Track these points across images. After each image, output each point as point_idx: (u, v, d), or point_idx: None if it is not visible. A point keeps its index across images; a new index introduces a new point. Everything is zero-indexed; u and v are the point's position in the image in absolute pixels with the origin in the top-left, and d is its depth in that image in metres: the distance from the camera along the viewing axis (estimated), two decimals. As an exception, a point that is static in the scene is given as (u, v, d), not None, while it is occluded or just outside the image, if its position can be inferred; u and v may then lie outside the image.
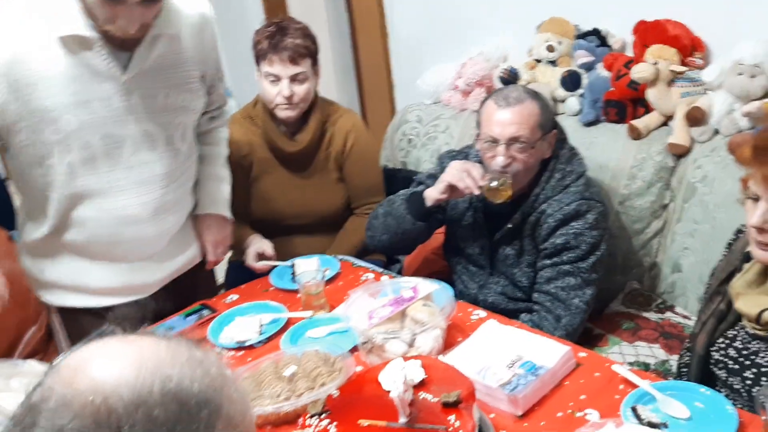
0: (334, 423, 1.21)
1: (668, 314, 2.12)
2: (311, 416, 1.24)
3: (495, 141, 1.88)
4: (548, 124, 1.91)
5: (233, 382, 0.71)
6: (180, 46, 1.63)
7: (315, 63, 2.23)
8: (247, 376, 1.46)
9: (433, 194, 1.95)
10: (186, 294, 1.86)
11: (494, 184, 1.83)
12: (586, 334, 2.03)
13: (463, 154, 2.14)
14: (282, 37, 2.15)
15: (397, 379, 1.24)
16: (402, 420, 1.19)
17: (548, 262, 1.94)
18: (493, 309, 1.96)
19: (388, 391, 1.25)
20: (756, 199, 1.37)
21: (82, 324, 1.75)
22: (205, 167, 1.91)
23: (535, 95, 1.92)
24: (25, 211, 1.74)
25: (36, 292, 1.81)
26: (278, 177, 2.33)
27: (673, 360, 1.89)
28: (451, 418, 1.19)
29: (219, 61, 1.83)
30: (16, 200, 1.85)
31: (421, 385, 1.27)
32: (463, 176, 1.86)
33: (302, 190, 2.34)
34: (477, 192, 1.85)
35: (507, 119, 1.86)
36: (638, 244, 2.26)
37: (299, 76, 2.16)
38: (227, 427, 0.68)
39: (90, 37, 1.48)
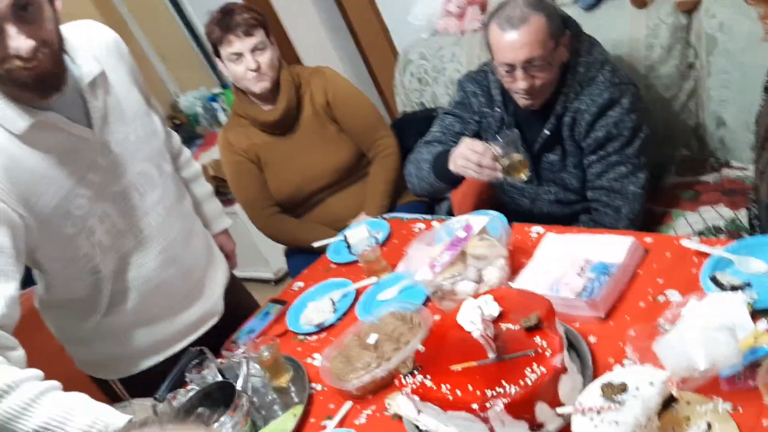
0: (428, 376, 1.24)
1: (725, 171, 2.08)
2: (405, 375, 1.27)
3: (512, 66, 1.83)
4: (559, 30, 1.84)
5: None
6: (111, 79, 1.56)
7: (268, 33, 2.29)
8: (335, 355, 1.50)
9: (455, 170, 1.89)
10: (233, 305, 1.89)
11: (507, 163, 1.74)
12: (649, 215, 2.01)
13: (482, 73, 2.09)
14: (230, 17, 2.24)
15: (475, 319, 1.26)
16: (492, 355, 1.21)
17: (594, 157, 1.90)
18: (550, 219, 1.96)
19: (470, 332, 1.27)
20: None
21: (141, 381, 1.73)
22: (195, 189, 1.97)
23: (538, 5, 1.81)
24: (71, 310, 1.68)
25: (92, 374, 1.82)
26: (283, 150, 2.39)
27: (742, 215, 1.86)
28: (537, 339, 1.20)
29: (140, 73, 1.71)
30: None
31: (500, 318, 1.29)
32: (480, 170, 1.76)
33: (310, 153, 2.40)
34: (500, 177, 1.77)
35: (516, 42, 1.78)
36: (675, 110, 2.20)
37: (258, 45, 2.25)
38: None
39: (45, 118, 1.40)
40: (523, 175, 1.74)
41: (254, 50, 2.24)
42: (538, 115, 1.94)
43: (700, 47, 2.11)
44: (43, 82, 1.36)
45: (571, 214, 1.98)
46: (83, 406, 1.30)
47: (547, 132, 1.93)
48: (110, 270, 1.61)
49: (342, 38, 3.63)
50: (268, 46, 2.27)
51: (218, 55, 2.30)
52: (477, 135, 2.05)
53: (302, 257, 2.44)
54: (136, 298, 1.67)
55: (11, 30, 1.27)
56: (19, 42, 1.28)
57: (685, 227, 1.92)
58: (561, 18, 1.89)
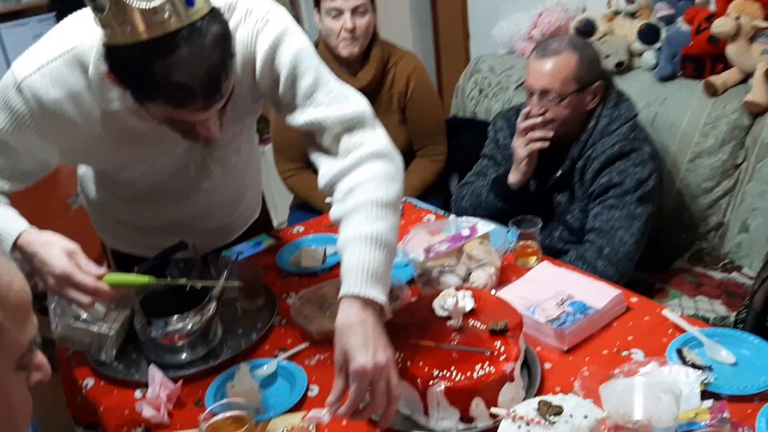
0: (387, 341, 1.29)
1: (734, 274, 2.10)
2: (366, 334, 1.32)
3: (531, 91, 1.93)
4: (588, 77, 1.92)
5: None
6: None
7: None
8: (309, 297, 1.55)
9: (517, 179, 2.02)
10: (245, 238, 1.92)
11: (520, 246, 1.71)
12: (648, 288, 2.04)
13: (513, 110, 2.20)
14: None
15: (448, 306, 1.30)
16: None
17: (596, 202, 1.97)
18: (551, 250, 2.00)
19: (440, 317, 1.32)
20: None
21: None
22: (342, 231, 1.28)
23: (578, 47, 1.92)
24: (96, 182, 1.72)
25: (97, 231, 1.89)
26: None
27: (734, 317, 1.89)
28: (497, 343, 1.24)
29: (281, 76, 1.37)
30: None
31: (471, 314, 1.33)
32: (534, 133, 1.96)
33: None
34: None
35: (540, 71, 1.90)
36: (707, 203, 2.23)
37: (359, 8, 2.27)
38: None
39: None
40: (534, 261, 1.70)
41: (355, 11, 2.27)
42: (556, 156, 2.01)
43: (752, 151, 2.14)
44: None
45: (568, 252, 2.02)
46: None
47: (559, 173, 2.01)
48: (133, 193, 1.63)
49: (423, 27, 3.69)
50: (369, 11, 2.30)
51: (318, 5, 2.33)
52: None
53: (305, 215, 2.50)
54: (150, 212, 1.70)
55: (202, 123, 1.25)
56: (207, 129, 1.26)
57: (677, 308, 1.94)
58: (597, 67, 1.96)
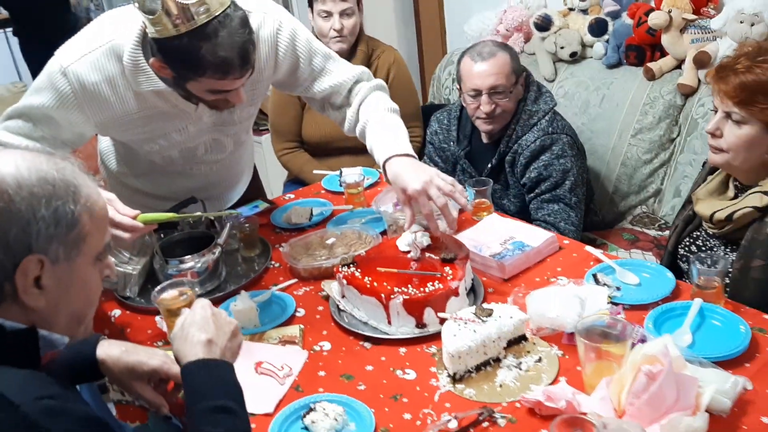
0: (359, 270, 1.60)
1: (666, 232, 2.42)
2: (342, 266, 1.63)
3: (478, 92, 2.20)
4: (519, 69, 2.24)
5: (87, 178, 1.02)
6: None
7: (359, 0, 2.64)
8: (298, 243, 1.86)
9: None
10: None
11: (476, 203, 1.99)
12: (589, 243, 2.34)
13: (445, 112, 2.50)
14: None
15: (409, 242, 1.62)
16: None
17: (532, 195, 2.27)
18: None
19: (403, 252, 1.64)
20: (716, 112, 1.68)
21: None
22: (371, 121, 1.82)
23: (505, 47, 2.24)
24: (116, 156, 2.03)
25: None
26: None
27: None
28: (447, 269, 1.56)
29: (300, 59, 1.81)
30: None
31: (428, 249, 1.65)
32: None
33: None
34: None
35: (485, 71, 2.18)
36: (647, 172, 2.55)
37: (347, 11, 2.60)
38: (87, 202, 0.98)
39: (164, 88, 1.63)
40: (485, 215, 1.97)
41: (342, 13, 2.58)
42: (487, 151, 2.30)
43: (684, 127, 2.46)
44: None
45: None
46: None
47: (490, 166, 2.30)
48: (149, 166, 1.94)
49: (407, 25, 4.01)
50: (355, 12, 2.61)
51: (311, 6, 2.65)
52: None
53: (297, 188, 2.81)
54: (164, 182, 2.00)
55: (234, 92, 1.60)
56: (236, 96, 1.61)
57: (613, 260, 2.26)
58: (519, 62, 2.27)
